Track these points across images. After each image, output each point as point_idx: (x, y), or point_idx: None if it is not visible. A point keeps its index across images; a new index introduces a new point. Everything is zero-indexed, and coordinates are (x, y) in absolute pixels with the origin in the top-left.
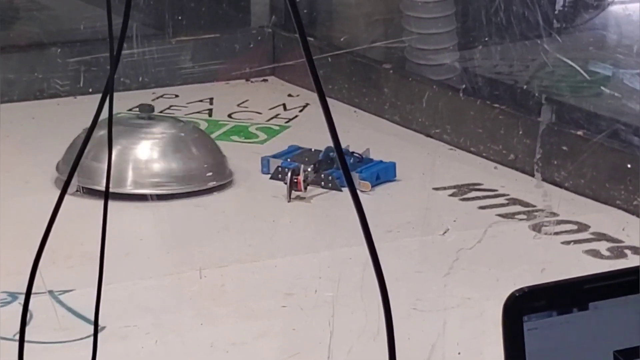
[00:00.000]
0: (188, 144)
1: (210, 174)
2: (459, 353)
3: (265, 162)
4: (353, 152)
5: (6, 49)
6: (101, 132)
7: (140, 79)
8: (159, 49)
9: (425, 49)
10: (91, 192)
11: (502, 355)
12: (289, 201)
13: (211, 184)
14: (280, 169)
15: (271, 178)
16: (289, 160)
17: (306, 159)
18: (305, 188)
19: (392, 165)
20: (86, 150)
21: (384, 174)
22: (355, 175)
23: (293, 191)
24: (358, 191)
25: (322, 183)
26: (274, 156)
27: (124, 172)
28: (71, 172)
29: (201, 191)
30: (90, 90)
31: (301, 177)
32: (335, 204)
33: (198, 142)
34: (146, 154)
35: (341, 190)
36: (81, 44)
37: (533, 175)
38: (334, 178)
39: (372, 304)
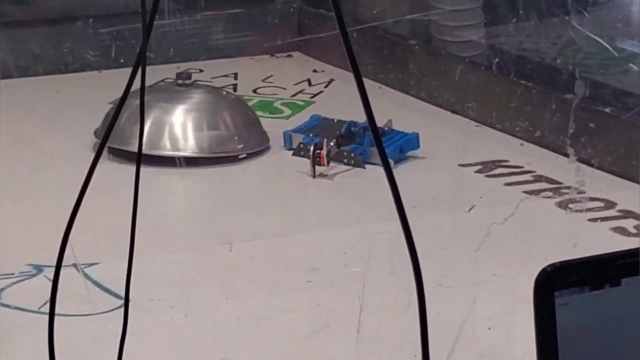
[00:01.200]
0: (223, 112)
1: (241, 145)
2: (489, 328)
3: (287, 137)
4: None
5: (31, 23)
6: (137, 101)
7: (166, 52)
8: (184, 22)
9: (451, 25)
10: (122, 157)
11: (533, 331)
12: (313, 177)
13: (242, 155)
14: (302, 145)
15: (294, 154)
16: (310, 135)
17: (328, 133)
18: (328, 163)
19: (415, 137)
20: (122, 115)
21: (407, 145)
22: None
23: (316, 166)
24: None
25: (345, 160)
26: (296, 130)
27: (158, 136)
28: (103, 142)
29: (231, 160)
30: (122, 60)
31: (324, 152)
32: (360, 181)
33: (234, 111)
34: (181, 119)
35: (364, 168)
36: (106, 17)
37: (559, 153)
38: (356, 155)
39: (403, 279)
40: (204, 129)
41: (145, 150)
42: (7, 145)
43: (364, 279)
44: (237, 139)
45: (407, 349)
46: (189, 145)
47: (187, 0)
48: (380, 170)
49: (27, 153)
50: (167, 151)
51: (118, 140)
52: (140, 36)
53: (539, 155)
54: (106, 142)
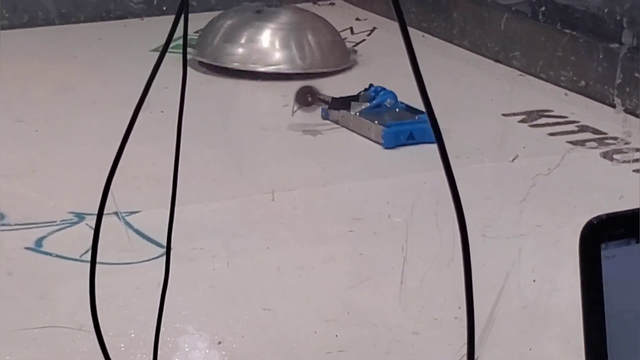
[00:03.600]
0: (307, 32)
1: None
2: (534, 280)
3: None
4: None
5: None
6: (229, 21)
7: (208, 0)
8: None
9: None
10: (212, 71)
11: (578, 283)
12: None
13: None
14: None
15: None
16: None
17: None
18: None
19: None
20: (216, 34)
21: (420, 135)
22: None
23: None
24: None
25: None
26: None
27: (249, 53)
28: (144, 92)
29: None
30: (164, 8)
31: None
32: None
33: (317, 32)
34: (269, 38)
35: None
36: None
37: (605, 103)
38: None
39: (446, 230)
40: (292, 47)
41: (237, 65)
42: (49, 91)
43: (407, 230)
44: (320, 58)
45: (451, 300)
46: (274, 61)
47: None
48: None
49: (69, 100)
50: (255, 66)
51: (212, 57)
52: None
53: (584, 105)
54: (147, 91)
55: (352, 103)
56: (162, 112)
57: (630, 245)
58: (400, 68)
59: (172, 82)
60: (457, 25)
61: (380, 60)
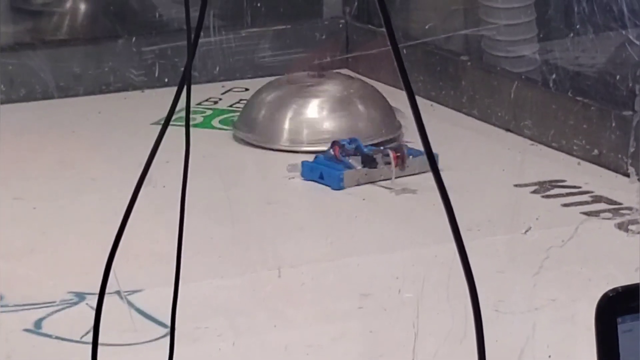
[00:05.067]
0: (355, 102)
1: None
2: (550, 356)
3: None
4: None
5: (71, 42)
6: (271, 95)
7: (211, 71)
8: (229, 39)
9: (504, 40)
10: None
11: (595, 358)
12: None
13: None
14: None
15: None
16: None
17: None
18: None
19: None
20: (260, 110)
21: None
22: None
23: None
24: None
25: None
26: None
27: (298, 130)
28: (147, 166)
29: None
30: (166, 80)
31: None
32: (413, 203)
33: (367, 101)
34: (314, 112)
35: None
36: (149, 34)
37: (619, 172)
38: None
39: (458, 305)
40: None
41: (286, 146)
42: (49, 167)
43: (418, 305)
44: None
45: None
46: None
47: (233, 16)
48: (434, 191)
49: (69, 176)
50: (305, 145)
51: (258, 138)
52: (184, 54)
53: (597, 174)
54: (150, 166)
55: None
56: (164, 187)
57: None
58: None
59: (174, 156)
60: (466, 93)
61: None
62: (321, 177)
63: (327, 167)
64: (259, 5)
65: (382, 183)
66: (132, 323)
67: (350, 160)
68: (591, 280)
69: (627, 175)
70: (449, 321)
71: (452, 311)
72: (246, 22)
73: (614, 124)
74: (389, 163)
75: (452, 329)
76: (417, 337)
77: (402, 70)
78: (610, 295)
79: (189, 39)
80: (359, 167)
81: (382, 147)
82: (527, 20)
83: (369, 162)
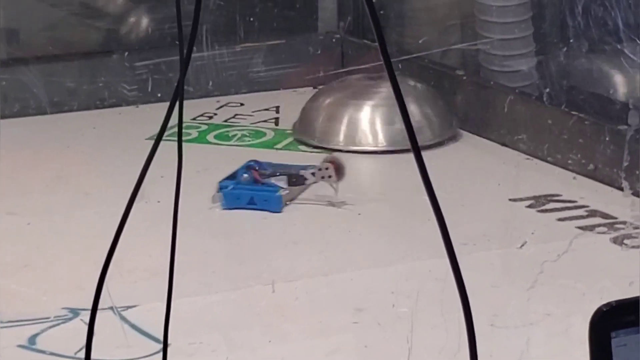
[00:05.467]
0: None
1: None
2: None
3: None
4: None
5: (66, 57)
6: (328, 100)
7: (204, 86)
8: (223, 54)
9: (500, 55)
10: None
11: None
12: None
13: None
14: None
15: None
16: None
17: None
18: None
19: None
20: (320, 114)
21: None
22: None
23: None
24: None
25: None
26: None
27: (353, 133)
28: (139, 182)
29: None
30: (159, 94)
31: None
32: (408, 217)
33: (423, 102)
34: (369, 115)
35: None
36: (143, 50)
37: (613, 186)
38: None
39: (453, 320)
40: (395, 122)
41: (343, 146)
42: (42, 183)
43: (412, 320)
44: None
45: None
46: (379, 140)
47: (226, 31)
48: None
49: (63, 191)
50: (362, 146)
51: (318, 139)
52: (177, 69)
53: (593, 189)
54: (142, 181)
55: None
56: (158, 202)
57: None
58: None
59: (168, 171)
60: (461, 108)
61: None
62: (252, 203)
63: (257, 191)
64: (252, 20)
65: (327, 198)
66: (126, 339)
67: (273, 181)
68: (585, 295)
69: (622, 190)
70: (443, 336)
71: (447, 326)
72: (239, 37)
73: (607, 138)
74: (330, 176)
75: (446, 343)
76: (411, 352)
77: (395, 84)
78: (604, 309)
79: (181, 53)
80: (286, 187)
81: (304, 165)
82: (524, 35)
83: (296, 180)
